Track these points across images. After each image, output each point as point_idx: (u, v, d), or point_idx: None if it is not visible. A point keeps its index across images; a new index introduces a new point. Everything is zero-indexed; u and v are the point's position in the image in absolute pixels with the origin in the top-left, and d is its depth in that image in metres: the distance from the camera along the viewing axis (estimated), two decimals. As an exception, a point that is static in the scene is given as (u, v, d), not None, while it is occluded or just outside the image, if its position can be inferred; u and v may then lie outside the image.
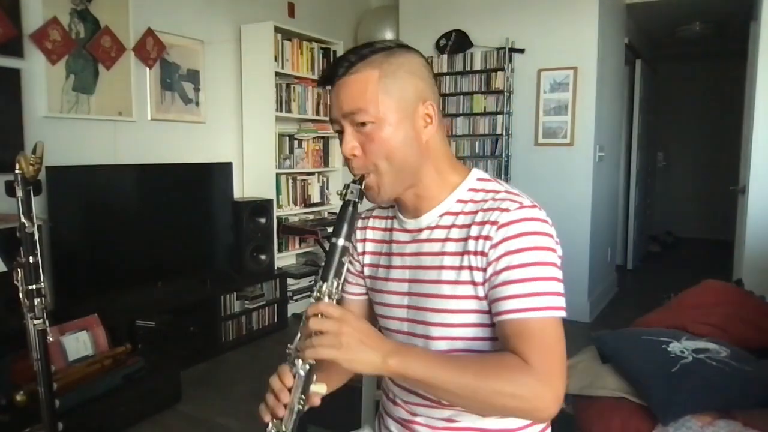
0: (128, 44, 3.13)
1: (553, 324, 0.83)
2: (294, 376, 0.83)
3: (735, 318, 1.99)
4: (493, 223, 0.87)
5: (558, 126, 4.08)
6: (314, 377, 0.84)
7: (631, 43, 5.22)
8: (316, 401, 0.85)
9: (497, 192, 0.93)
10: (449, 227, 0.94)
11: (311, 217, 4.36)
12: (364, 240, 1.10)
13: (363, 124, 0.89)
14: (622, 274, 5.50)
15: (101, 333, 2.61)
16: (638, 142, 5.74)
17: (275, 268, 3.92)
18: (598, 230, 4.26)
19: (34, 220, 1.35)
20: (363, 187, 0.90)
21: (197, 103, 3.60)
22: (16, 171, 1.32)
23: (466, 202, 0.95)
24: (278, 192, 4.01)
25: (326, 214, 4.45)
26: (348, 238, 0.86)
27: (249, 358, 3.36)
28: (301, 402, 0.83)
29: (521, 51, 4.10)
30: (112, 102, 3.07)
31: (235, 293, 3.55)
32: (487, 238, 0.87)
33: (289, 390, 0.83)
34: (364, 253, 1.09)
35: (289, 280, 4.04)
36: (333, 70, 0.92)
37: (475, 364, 0.83)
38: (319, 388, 0.85)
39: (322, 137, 4.42)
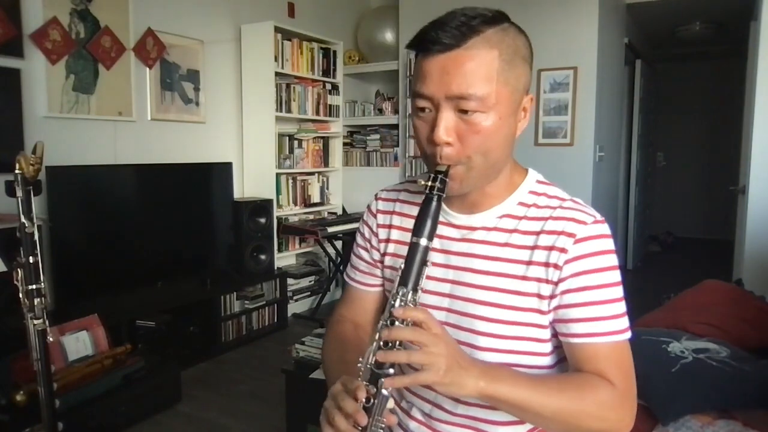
0: (128, 44, 3.13)
1: (627, 346, 0.84)
2: (372, 397, 0.74)
3: (735, 318, 1.99)
4: (570, 235, 0.82)
5: (558, 126, 4.08)
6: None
7: (631, 43, 5.22)
8: (393, 419, 0.79)
9: (563, 200, 0.87)
10: (510, 231, 0.87)
11: (311, 217, 4.35)
12: (389, 226, 0.99)
13: (467, 110, 0.77)
14: (622, 274, 5.47)
15: (101, 333, 2.61)
16: (638, 142, 5.74)
17: (275, 268, 3.92)
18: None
19: (34, 220, 1.35)
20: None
21: (197, 103, 3.60)
22: (16, 171, 1.33)
23: (528, 206, 0.87)
24: (278, 192, 4.01)
25: (326, 214, 4.44)
26: (431, 237, 0.77)
27: (249, 358, 3.36)
28: (382, 426, 0.75)
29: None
30: (112, 102, 3.07)
31: (235, 293, 3.55)
32: (562, 250, 0.81)
33: (365, 412, 0.73)
34: (387, 240, 0.99)
35: (289, 280, 4.04)
36: (438, 36, 0.76)
37: (568, 387, 0.80)
38: (390, 403, 0.76)
39: (322, 137, 4.42)
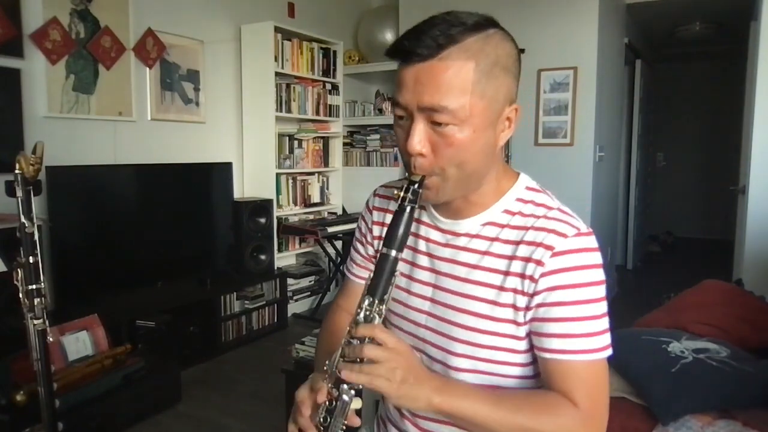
0: (128, 44, 3.13)
1: (603, 365, 0.80)
2: (334, 400, 0.76)
3: (735, 318, 1.99)
4: (548, 247, 0.79)
5: (558, 126, 4.07)
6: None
7: (631, 43, 5.22)
8: (357, 421, 0.79)
9: (549, 208, 0.84)
10: (492, 240, 0.85)
11: (311, 217, 4.35)
12: (383, 224, 1.00)
13: (440, 123, 0.76)
14: (622, 274, 5.50)
15: (101, 333, 2.61)
16: (638, 142, 5.74)
17: (275, 268, 3.92)
18: (598, 230, 4.19)
19: (34, 220, 1.35)
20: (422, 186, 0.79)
21: (197, 103, 3.60)
22: (16, 171, 1.32)
23: (513, 213, 0.85)
24: (278, 192, 4.02)
25: (326, 214, 4.45)
26: (402, 249, 0.76)
27: (249, 358, 3.36)
28: (343, 428, 0.77)
29: (521, 51, 4.07)
30: (112, 102, 3.07)
31: (235, 293, 3.55)
32: (539, 263, 0.79)
33: (328, 413, 0.77)
34: (381, 238, 0.98)
35: (289, 280, 4.04)
36: (414, 45, 0.75)
37: (526, 404, 0.78)
38: (356, 404, 0.77)
39: (322, 137, 4.42)
